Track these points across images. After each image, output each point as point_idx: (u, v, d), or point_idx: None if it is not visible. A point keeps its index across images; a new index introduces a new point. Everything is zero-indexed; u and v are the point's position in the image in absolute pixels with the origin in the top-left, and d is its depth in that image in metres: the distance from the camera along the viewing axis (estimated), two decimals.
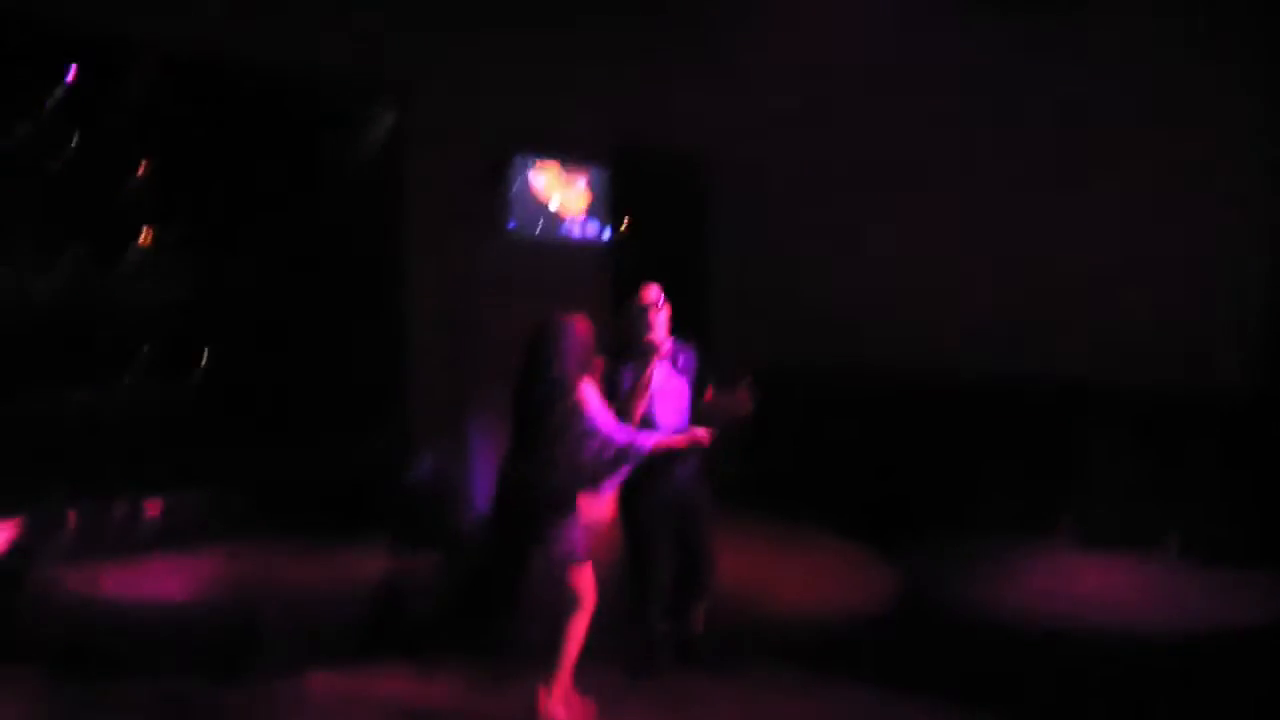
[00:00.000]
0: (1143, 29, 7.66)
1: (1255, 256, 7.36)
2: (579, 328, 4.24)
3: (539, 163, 7.64)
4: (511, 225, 7.49)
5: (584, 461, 4.13)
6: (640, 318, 4.66)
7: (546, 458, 4.12)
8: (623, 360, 4.68)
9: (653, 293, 4.72)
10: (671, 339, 4.73)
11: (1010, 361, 7.91)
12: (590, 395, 4.17)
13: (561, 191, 7.76)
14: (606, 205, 8.08)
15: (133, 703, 4.37)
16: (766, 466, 8.09)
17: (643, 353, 4.65)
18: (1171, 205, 7.54)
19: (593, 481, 4.18)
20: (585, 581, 4.22)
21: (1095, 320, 7.75)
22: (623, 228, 8.56)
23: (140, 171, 7.25)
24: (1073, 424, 7.78)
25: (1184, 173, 7.48)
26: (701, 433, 4.47)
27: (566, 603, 4.20)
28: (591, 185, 7.96)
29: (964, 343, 8.11)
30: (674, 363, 4.72)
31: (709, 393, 4.84)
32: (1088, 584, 6.78)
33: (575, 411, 4.12)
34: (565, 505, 4.14)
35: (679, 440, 4.41)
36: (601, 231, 8.04)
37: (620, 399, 4.60)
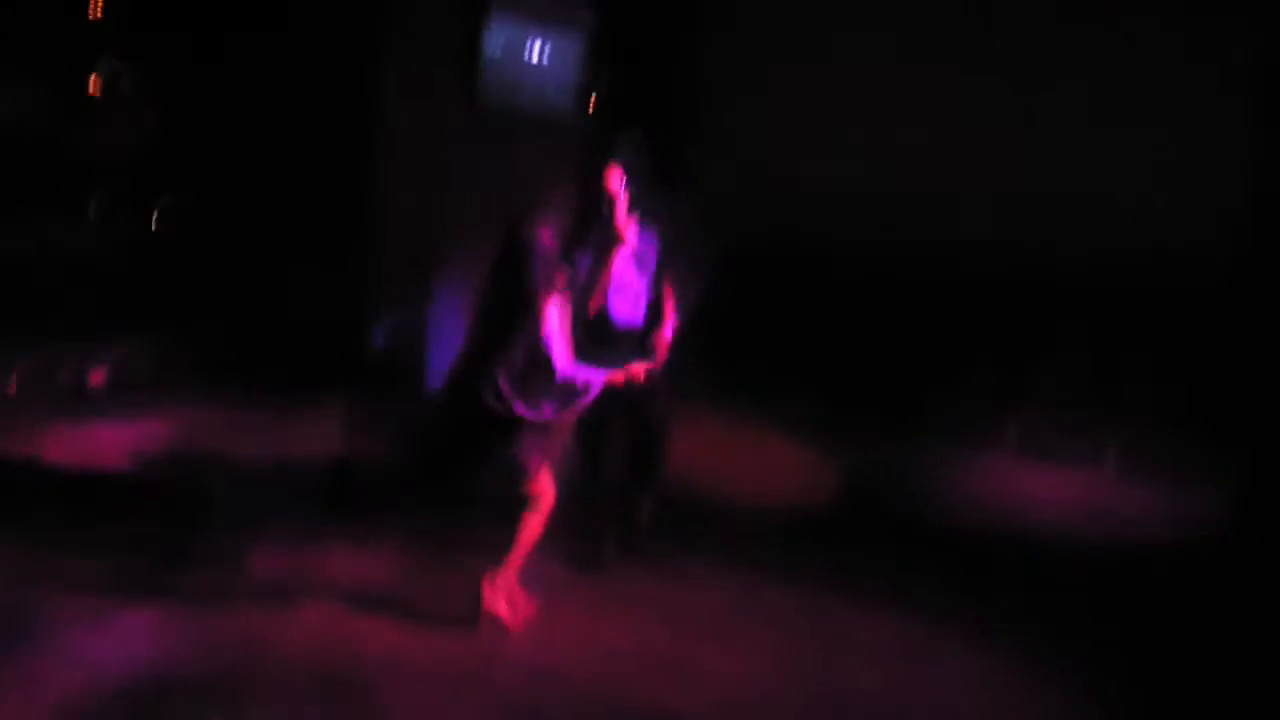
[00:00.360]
0: None
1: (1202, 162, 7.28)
2: (545, 240, 4.10)
3: (514, 25, 7.29)
4: (484, 88, 7.19)
5: (534, 382, 4.08)
6: (602, 203, 4.50)
7: (501, 369, 4.07)
8: (581, 245, 4.50)
9: (615, 178, 4.51)
10: (635, 226, 4.56)
11: (967, 258, 7.87)
12: (551, 316, 4.07)
13: (540, 51, 7.45)
14: (585, 72, 7.78)
15: (69, 575, 4.37)
16: (719, 350, 8.08)
17: (603, 242, 4.52)
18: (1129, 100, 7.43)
19: (539, 404, 4.12)
20: (540, 484, 4.24)
21: (1051, 221, 7.70)
22: (597, 94, 8.26)
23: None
24: (1026, 326, 7.81)
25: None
26: (639, 369, 4.33)
27: (519, 502, 4.24)
28: (570, 50, 7.63)
29: (921, 241, 8.04)
30: (636, 253, 4.60)
31: (668, 292, 4.70)
32: (1026, 490, 6.98)
33: (533, 329, 4.05)
34: (515, 415, 4.10)
35: (618, 376, 4.28)
36: (580, 100, 7.77)
37: (576, 291, 4.46)
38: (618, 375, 4.27)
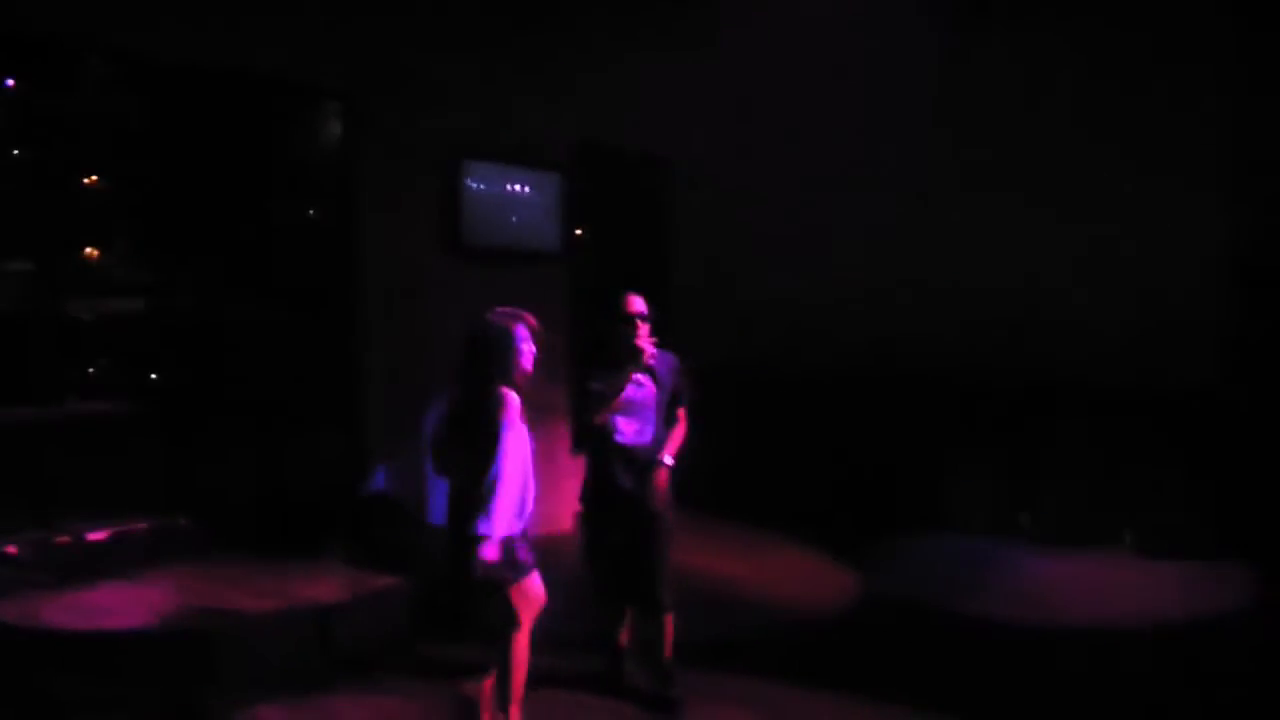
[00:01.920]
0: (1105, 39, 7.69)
1: (1212, 259, 7.40)
2: (511, 330, 4.09)
3: (495, 166, 7.53)
4: (466, 231, 7.38)
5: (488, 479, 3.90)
6: (624, 327, 4.65)
7: (466, 466, 3.95)
8: (599, 367, 4.69)
9: (638, 303, 4.71)
10: (653, 348, 4.70)
11: (969, 361, 7.93)
12: (510, 408, 3.95)
13: (517, 196, 7.67)
14: (564, 209, 7.99)
15: None
16: (723, 467, 8.09)
17: (624, 360, 4.63)
18: (1128, 207, 7.57)
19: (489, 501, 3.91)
20: (521, 598, 4.09)
21: (1054, 320, 7.77)
22: (578, 232, 8.47)
23: (87, 182, 7.11)
24: (1031, 422, 7.82)
25: (1139, 176, 7.52)
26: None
27: (503, 623, 4.08)
28: (548, 190, 7.86)
29: (924, 343, 8.12)
30: (652, 373, 4.71)
31: (681, 413, 4.85)
32: (1045, 579, 6.88)
33: (491, 422, 3.91)
34: (485, 520, 3.90)
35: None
36: (559, 236, 7.95)
37: (589, 405, 4.65)
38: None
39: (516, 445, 3.98)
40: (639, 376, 4.68)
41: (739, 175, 8.91)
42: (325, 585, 5.76)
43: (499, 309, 4.19)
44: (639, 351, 4.63)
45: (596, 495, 4.83)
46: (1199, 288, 7.38)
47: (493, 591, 4.03)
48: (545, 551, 7.20)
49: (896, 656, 5.54)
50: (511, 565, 4.02)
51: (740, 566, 6.98)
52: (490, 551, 3.89)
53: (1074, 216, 7.71)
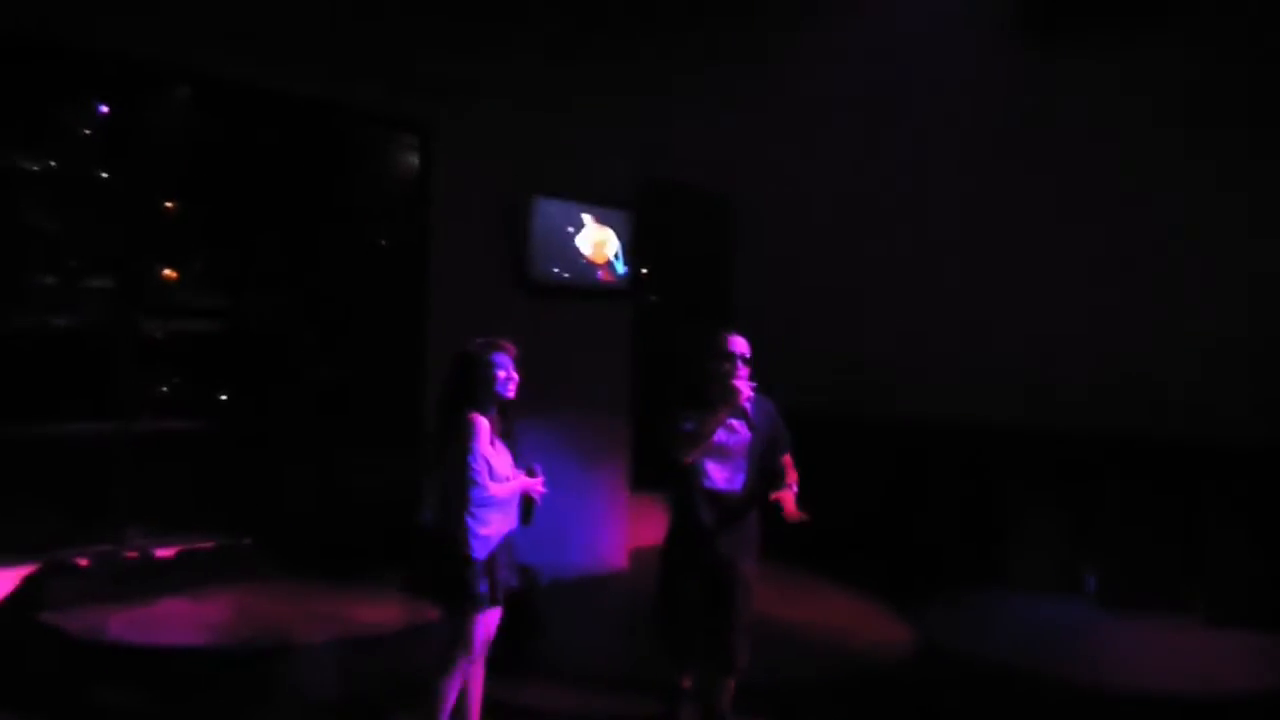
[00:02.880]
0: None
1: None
2: (488, 357, 4.13)
3: (563, 203, 7.60)
4: (534, 265, 7.44)
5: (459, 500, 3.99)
6: (723, 365, 4.47)
7: (439, 493, 4.05)
8: (690, 407, 4.47)
9: (739, 343, 4.55)
10: (750, 394, 4.50)
11: (1035, 412, 7.79)
12: (478, 433, 4.00)
13: (587, 233, 7.73)
14: (631, 246, 8.04)
15: None
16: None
17: (719, 401, 4.42)
18: (1182, 252, 7.43)
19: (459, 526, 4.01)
20: (480, 625, 4.07)
21: (1118, 372, 7.61)
22: (644, 272, 8.51)
23: (168, 205, 7.29)
24: (1097, 479, 7.65)
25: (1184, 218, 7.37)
26: (536, 483, 4.20)
27: (450, 645, 4.10)
28: (616, 226, 7.91)
29: (989, 392, 7.99)
30: (746, 418, 4.51)
31: (788, 461, 4.64)
32: (1110, 643, 6.71)
33: (460, 446, 3.99)
34: (451, 544, 4.02)
35: (518, 486, 4.14)
36: (625, 273, 8.00)
37: (678, 445, 4.43)
38: (517, 486, 4.11)
39: (498, 461, 4.06)
40: (734, 421, 4.48)
41: (801, 214, 8.91)
42: (383, 613, 5.80)
43: (479, 338, 4.25)
44: (735, 392, 4.40)
45: (680, 541, 4.60)
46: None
47: (458, 607, 4.05)
48: (593, 587, 7.27)
49: (948, 713, 5.43)
50: (486, 584, 4.03)
51: (799, 612, 6.90)
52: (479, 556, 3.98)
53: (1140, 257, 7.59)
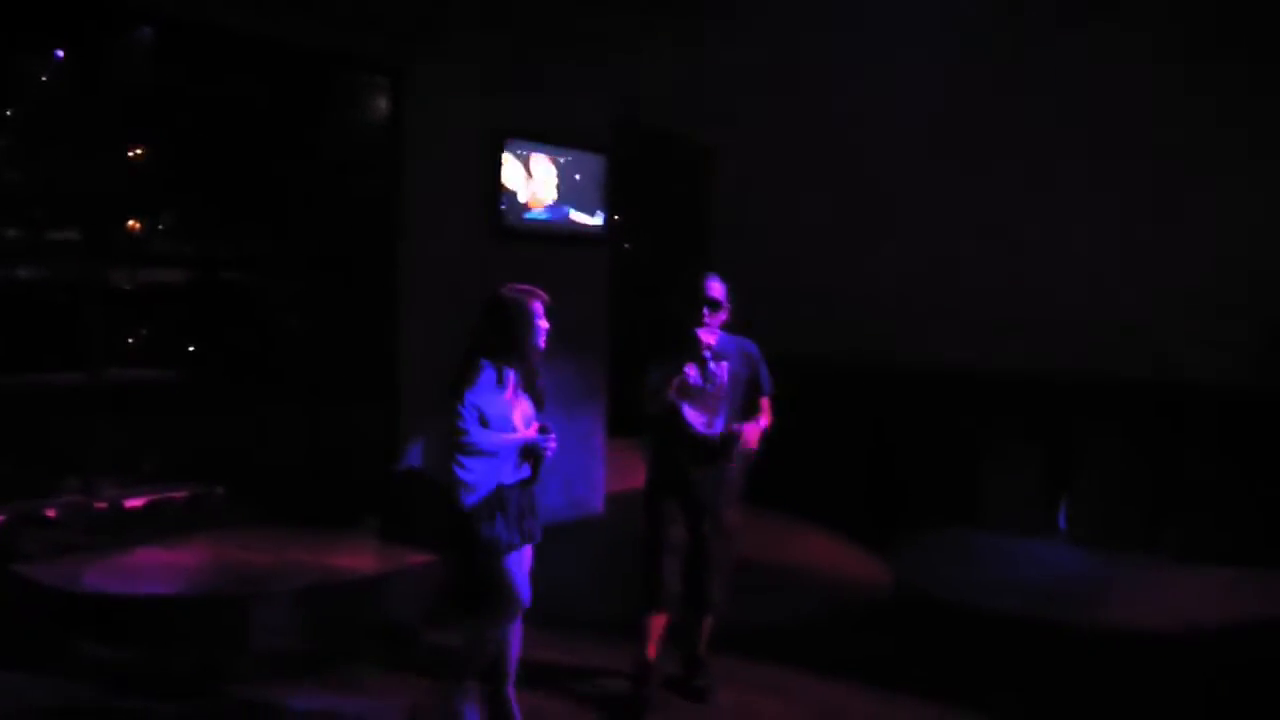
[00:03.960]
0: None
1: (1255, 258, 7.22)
2: (528, 305, 3.99)
3: (536, 145, 7.50)
4: (507, 210, 7.36)
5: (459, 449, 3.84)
6: (690, 313, 4.42)
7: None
8: (666, 352, 4.45)
9: (715, 288, 4.48)
10: (724, 337, 4.49)
11: (1009, 355, 7.81)
12: (479, 374, 3.91)
13: (557, 176, 7.64)
14: (605, 190, 7.96)
15: (112, 705, 4.32)
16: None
17: (684, 349, 4.42)
18: (1173, 202, 7.41)
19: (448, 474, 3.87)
20: (502, 579, 3.94)
21: (1095, 317, 7.63)
22: (615, 216, 8.43)
23: (134, 154, 7.17)
24: (1070, 419, 7.70)
25: (1185, 172, 7.34)
26: (550, 444, 4.01)
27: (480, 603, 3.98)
28: (590, 171, 7.83)
29: (964, 335, 8.00)
30: (718, 360, 4.48)
31: (764, 403, 4.62)
32: (1079, 580, 6.79)
33: (456, 392, 3.86)
34: (455, 500, 3.87)
35: (513, 440, 3.96)
36: (600, 217, 7.93)
37: (648, 395, 4.43)
38: (517, 438, 3.95)
39: (499, 411, 3.91)
40: (713, 366, 4.46)
41: (783, 159, 8.83)
42: (359, 559, 5.80)
43: (515, 284, 4.08)
44: (695, 342, 4.39)
45: (661, 487, 4.60)
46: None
47: (468, 557, 3.94)
48: (570, 532, 7.28)
49: (925, 651, 5.49)
50: (494, 529, 3.90)
51: (777, 554, 6.93)
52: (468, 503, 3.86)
53: (1127, 213, 7.55)
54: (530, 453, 3.98)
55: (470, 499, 3.85)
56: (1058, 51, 7.75)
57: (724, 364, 4.50)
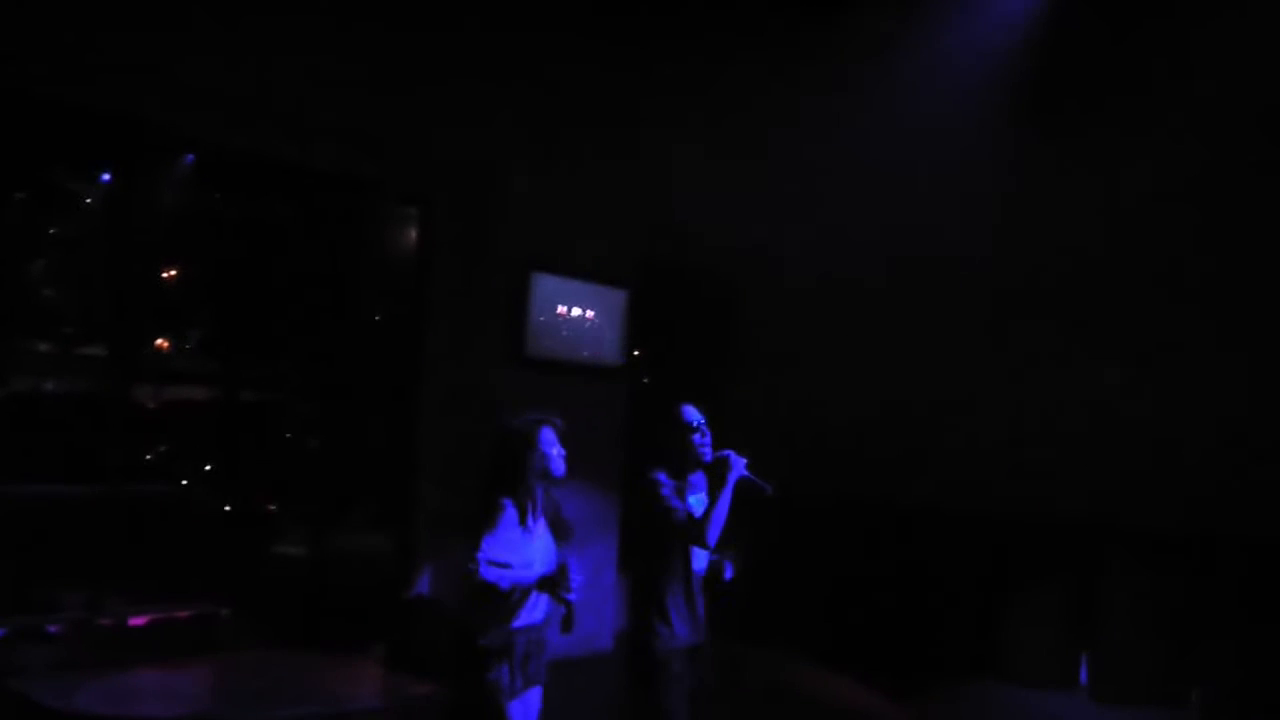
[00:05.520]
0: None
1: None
2: (533, 434, 3.94)
3: (561, 278, 7.62)
4: (530, 340, 7.43)
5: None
6: (684, 437, 4.38)
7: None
8: (668, 478, 4.36)
9: (692, 413, 4.46)
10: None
11: (1036, 502, 7.69)
12: (500, 513, 3.80)
13: (581, 312, 7.74)
14: (627, 325, 8.05)
15: None
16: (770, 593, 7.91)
17: (685, 471, 4.37)
18: (1178, 348, 7.38)
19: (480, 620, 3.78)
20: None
21: (1119, 464, 7.52)
22: (637, 352, 8.50)
23: (167, 275, 7.32)
24: (1093, 569, 7.54)
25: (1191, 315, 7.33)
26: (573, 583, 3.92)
27: None
28: (613, 305, 7.93)
29: (991, 481, 7.89)
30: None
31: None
32: None
33: (476, 538, 3.73)
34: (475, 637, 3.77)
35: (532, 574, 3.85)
36: (620, 350, 7.99)
37: (684, 524, 4.26)
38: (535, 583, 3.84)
39: (511, 551, 3.79)
40: (701, 487, 4.43)
41: (798, 296, 8.90)
42: (363, 688, 5.67)
43: (526, 413, 4.04)
44: (699, 459, 4.37)
45: (669, 642, 4.28)
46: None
47: (473, 702, 3.81)
48: (577, 670, 7.10)
49: None
50: (500, 673, 3.79)
51: (801, 694, 6.73)
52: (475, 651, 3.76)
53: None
54: (548, 585, 3.86)
55: (493, 640, 3.76)
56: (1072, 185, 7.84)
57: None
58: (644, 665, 4.25)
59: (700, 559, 4.38)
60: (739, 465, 4.30)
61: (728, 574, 4.46)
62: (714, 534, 4.22)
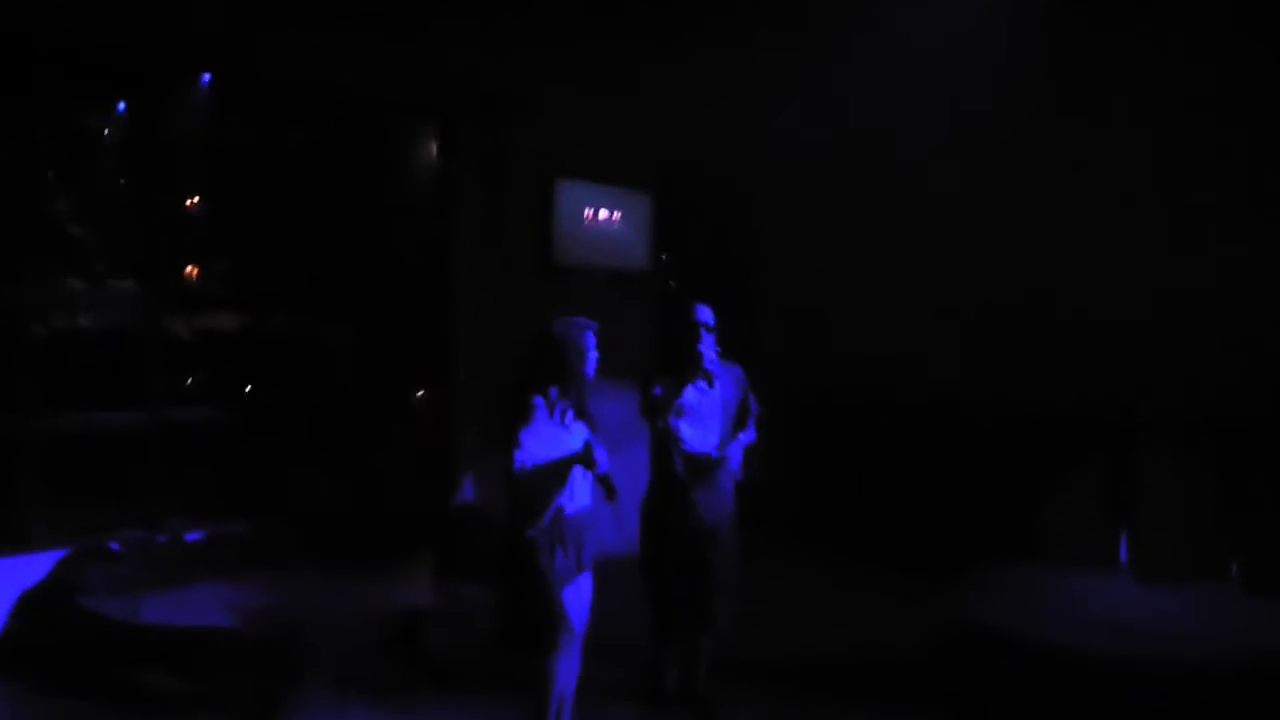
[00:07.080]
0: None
1: None
2: (577, 338, 4.07)
3: (585, 188, 7.59)
4: (557, 249, 7.45)
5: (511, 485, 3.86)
6: (687, 335, 4.65)
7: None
8: (662, 375, 4.70)
9: (704, 312, 4.70)
10: (715, 360, 4.68)
11: (1065, 392, 7.68)
12: (533, 410, 3.92)
13: (609, 215, 7.73)
14: (652, 228, 8.03)
15: None
16: (812, 496, 8.01)
17: (684, 369, 4.64)
18: (1217, 233, 7.26)
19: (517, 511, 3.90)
20: (556, 612, 3.93)
21: (1148, 351, 7.47)
22: (664, 256, 8.50)
23: (190, 203, 7.35)
24: (1129, 453, 7.55)
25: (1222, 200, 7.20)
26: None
27: (537, 637, 3.95)
28: (638, 210, 7.91)
29: (1016, 371, 7.88)
30: (711, 381, 4.68)
31: (750, 423, 4.85)
32: (1145, 614, 6.61)
33: (512, 429, 3.87)
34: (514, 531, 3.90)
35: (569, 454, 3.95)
36: (647, 255, 7.99)
37: (653, 405, 4.65)
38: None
39: (548, 445, 3.91)
40: (703, 384, 4.67)
41: (828, 197, 8.82)
42: (414, 592, 5.83)
43: (565, 317, 4.17)
44: (699, 357, 4.62)
45: (659, 500, 4.79)
46: None
47: (526, 593, 3.94)
48: (628, 568, 7.24)
49: (986, 688, 5.37)
50: (551, 558, 3.91)
51: (830, 591, 6.85)
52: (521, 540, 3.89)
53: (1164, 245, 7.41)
54: (585, 461, 3.95)
55: (532, 530, 3.87)
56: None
57: (717, 385, 4.71)
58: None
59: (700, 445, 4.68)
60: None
61: (733, 464, 4.74)
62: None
